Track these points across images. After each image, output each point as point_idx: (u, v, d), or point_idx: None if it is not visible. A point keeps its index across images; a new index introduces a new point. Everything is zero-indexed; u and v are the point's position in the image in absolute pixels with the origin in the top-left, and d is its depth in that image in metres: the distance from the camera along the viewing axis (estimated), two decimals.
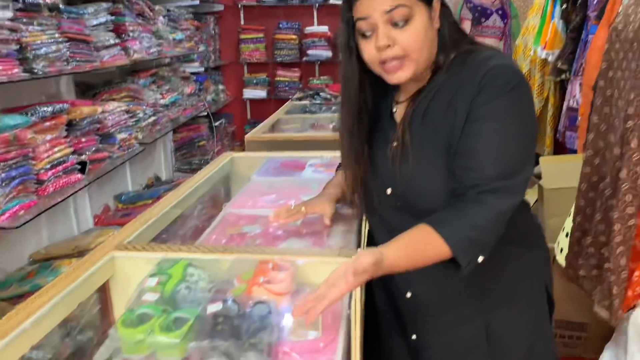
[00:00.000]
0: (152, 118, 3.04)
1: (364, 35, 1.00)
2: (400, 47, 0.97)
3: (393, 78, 1.01)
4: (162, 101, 3.26)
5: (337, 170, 1.43)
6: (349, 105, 1.09)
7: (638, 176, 1.40)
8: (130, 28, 2.71)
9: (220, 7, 5.05)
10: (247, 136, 2.36)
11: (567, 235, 1.84)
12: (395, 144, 1.06)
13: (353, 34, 1.03)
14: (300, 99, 3.63)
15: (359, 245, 1.22)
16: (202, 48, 4.49)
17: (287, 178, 1.73)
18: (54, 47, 1.94)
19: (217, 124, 4.76)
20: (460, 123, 0.98)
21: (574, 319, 2.22)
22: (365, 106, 1.10)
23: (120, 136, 2.54)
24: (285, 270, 1.04)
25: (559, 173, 2.18)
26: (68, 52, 2.09)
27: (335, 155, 1.95)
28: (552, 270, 1.32)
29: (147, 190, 3.49)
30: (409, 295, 1.13)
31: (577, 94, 2.43)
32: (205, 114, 4.40)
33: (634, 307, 1.59)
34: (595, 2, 2.36)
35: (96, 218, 2.92)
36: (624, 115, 1.45)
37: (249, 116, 5.54)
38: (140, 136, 2.85)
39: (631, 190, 1.42)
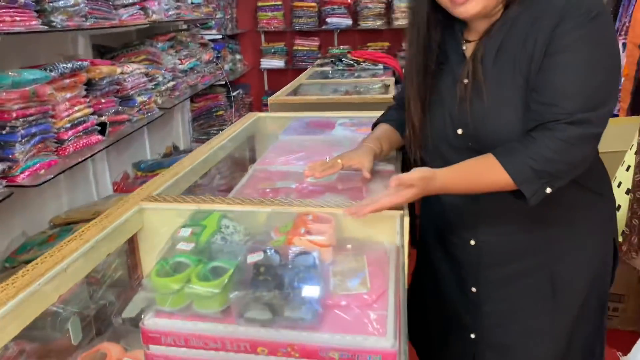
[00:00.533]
0: (171, 83, 2.97)
1: None
2: None
3: (461, 10, 0.96)
4: (180, 66, 3.18)
5: (373, 126, 1.35)
6: (417, 45, 1.05)
7: None
8: None
9: None
10: (271, 99, 2.28)
11: (618, 208, 1.74)
12: (466, 81, 1.01)
13: None
14: (321, 65, 3.52)
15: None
16: (219, 15, 4.38)
17: (316, 137, 1.64)
18: (72, 1, 1.86)
19: (234, 94, 4.67)
20: (540, 55, 0.92)
21: (611, 290, 2.13)
22: (433, 45, 1.05)
23: (140, 99, 2.47)
24: (327, 222, 0.96)
25: (604, 136, 2.07)
26: (87, 8, 2.01)
27: (365, 116, 1.86)
28: None
29: (166, 158, 3.43)
30: (472, 242, 1.10)
31: (620, 54, 2.30)
32: (223, 82, 4.31)
33: None
34: None
35: (115, 185, 2.88)
36: None
37: (266, 87, 5.44)
38: (159, 101, 2.78)
39: None
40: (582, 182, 0.99)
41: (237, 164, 1.64)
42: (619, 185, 1.81)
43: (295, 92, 2.84)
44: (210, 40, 4.18)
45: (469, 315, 1.16)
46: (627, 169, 1.80)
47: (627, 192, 1.75)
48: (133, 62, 2.66)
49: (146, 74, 2.59)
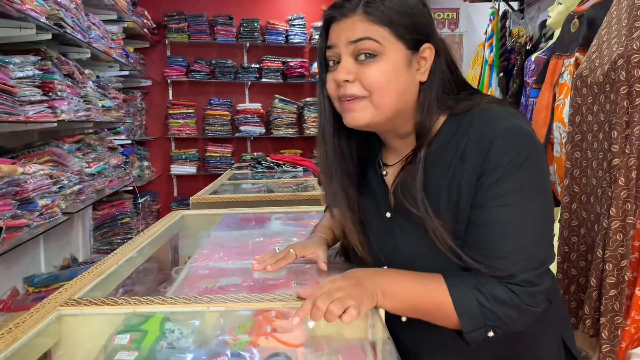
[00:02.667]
0: (77, 186, 2.73)
1: (330, 66, 0.88)
2: (360, 84, 0.84)
3: (348, 118, 0.87)
4: (88, 170, 2.97)
5: (325, 211, 1.26)
6: (325, 148, 0.95)
7: (627, 214, 1.37)
8: (59, 87, 2.48)
9: (148, 82, 4.91)
10: (193, 198, 2.15)
11: None
12: (388, 214, 0.94)
13: (325, 66, 0.90)
14: (239, 168, 3.47)
15: None
16: (129, 120, 4.27)
17: (253, 231, 1.53)
18: None
19: (141, 200, 4.44)
20: (466, 205, 0.84)
21: None
22: (345, 154, 0.96)
23: (42, 202, 2.21)
24: (293, 317, 0.83)
25: None
26: None
27: (300, 211, 1.80)
28: None
29: (64, 271, 3.06)
30: None
31: None
32: (130, 189, 4.09)
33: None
34: (532, 68, 2.50)
35: (2, 304, 2.48)
36: (608, 154, 1.44)
37: (175, 193, 5.25)
38: (63, 205, 2.53)
39: (621, 229, 1.38)
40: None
41: (166, 263, 1.46)
42: None
43: (215, 193, 2.73)
44: (119, 145, 4.01)
45: None
46: None
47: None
48: (36, 163, 2.43)
49: (50, 176, 2.36)
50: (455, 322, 0.81)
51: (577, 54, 2.09)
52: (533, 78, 2.48)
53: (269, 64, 5.04)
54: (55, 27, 2.38)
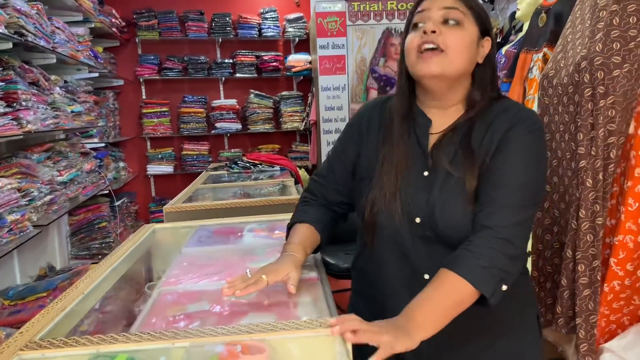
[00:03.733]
0: (48, 197, 2.68)
1: (414, 27, 1.05)
2: (443, 39, 1.01)
3: (424, 66, 1.01)
4: (59, 178, 2.91)
5: (289, 227, 1.23)
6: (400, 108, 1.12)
7: (596, 215, 1.39)
8: (23, 97, 2.41)
9: (120, 82, 4.81)
10: (166, 207, 2.11)
11: None
12: (426, 173, 1.06)
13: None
14: (215, 169, 3.43)
15: (331, 314, 1.03)
16: (101, 123, 4.18)
17: (225, 246, 1.51)
18: None
19: (118, 203, 4.37)
20: (492, 152, 1.01)
21: None
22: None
23: (11, 218, 2.16)
24: (260, 352, 0.83)
25: None
26: None
27: (274, 219, 1.78)
28: None
29: (41, 282, 3.01)
30: None
31: None
32: (106, 192, 4.02)
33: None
34: (502, 62, 2.50)
35: None
36: (575, 156, 1.45)
37: (153, 193, 5.19)
38: (34, 217, 2.48)
39: (590, 230, 1.40)
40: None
41: (138, 286, 1.43)
42: None
43: (190, 199, 2.70)
44: (92, 149, 3.93)
45: None
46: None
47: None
48: (3, 176, 2.37)
49: (18, 189, 2.31)
50: (475, 298, 0.93)
51: (545, 49, 2.09)
52: (504, 72, 2.49)
53: (243, 59, 4.98)
54: (15, 35, 2.31)
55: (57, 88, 2.99)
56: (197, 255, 1.46)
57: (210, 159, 5.05)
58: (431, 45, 1.01)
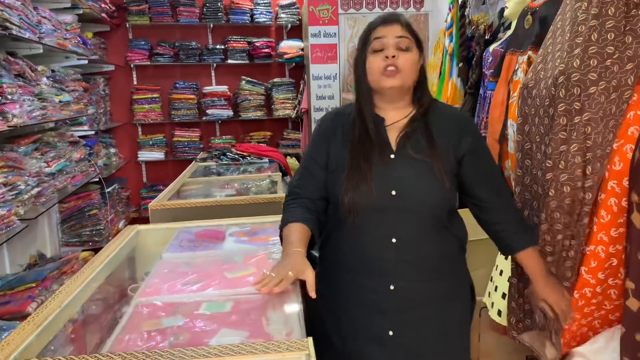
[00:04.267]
0: (36, 189, 2.68)
1: (374, 52, 1.34)
2: (400, 62, 1.32)
3: (388, 81, 1.33)
4: (47, 169, 2.91)
5: (282, 227, 1.34)
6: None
7: (554, 223, 1.42)
8: (9, 90, 2.40)
9: (110, 67, 4.77)
10: (151, 204, 2.13)
11: (503, 297, 1.82)
12: (392, 156, 1.34)
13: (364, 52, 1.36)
14: (204, 159, 3.44)
15: (302, 334, 1.06)
16: (91, 110, 4.16)
17: (205, 252, 1.53)
18: None
19: (110, 189, 4.38)
20: (448, 151, 1.35)
21: None
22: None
23: None
24: None
25: (476, 225, 2.20)
26: None
27: (256, 222, 1.80)
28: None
29: (30, 271, 3.03)
30: (392, 287, 1.32)
31: None
32: (97, 179, 4.03)
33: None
34: (490, 60, 2.50)
35: None
36: (544, 167, 1.47)
37: (145, 179, 5.19)
38: (21, 211, 2.48)
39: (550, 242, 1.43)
40: (462, 242, 1.47)
41: (119, 293, 1.46)
42: (500, 273, 1.91)
43: (178, 192, 2.71)
44: (81, 137, 3.93)
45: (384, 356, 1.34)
46: (506, 257, 1.91)
47: (508, 279, 1.85)
48: None
49: (4, 184, 2.32)
50: None
51: (529, 52, 2.09)
52: (491, 70, 2.49)
53: (235, 45, 4.94)
54: None
55: (44, 78, 2.97)
56: (177, 260, 1.49)
57: (201, 146, 5.05)
58: (392, 68, 1.32)
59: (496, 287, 1.92)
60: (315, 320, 1.38)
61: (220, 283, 1.29)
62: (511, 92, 2.22)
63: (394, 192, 1.29)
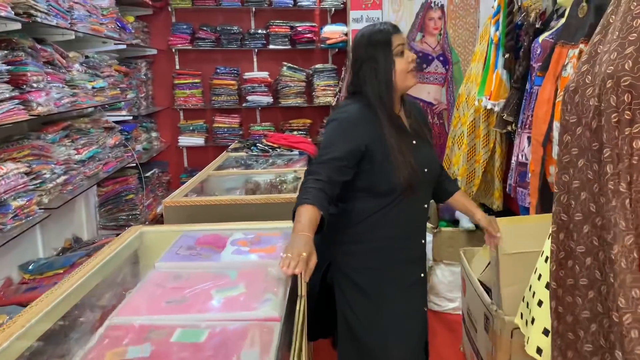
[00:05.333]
0: (63, 177, 2.68)
1: (398, 55, 1.55)
2: None
3: (413, 80, 1.59)
4: (77, 157, 2.91)
5: (295, 209, 1.39)
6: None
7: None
8: (34, 78, 2.38)
9: (153, 51, 4.77)
10: (165, 201, 2.06)
11: (545, 333, 1.59)
12: (414, 142, 1.61)
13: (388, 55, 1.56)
14: (236, 149, 3.36)
15: None
16: (131, 95, 4.17)
17: (200, 263, 1.43)
18: None
19: (148, 174, 4.41)
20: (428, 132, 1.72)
21: None
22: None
23: (16, 203, 2.17)
24: None
25: (515, 236, 1.98)
26: None
27: (265, 227, 1.69)
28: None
29: (61, 256, 3.07)
30: (422, 241, 1.69)
31: (525, 148, 2.29)
32: (135, 164, 4.05)
33: None
34: (538, 52, 2.25)
35: None
36: (601, 191, 1.26)
37: (185, 164, 5.20)
38: (45, 200, 2.49)
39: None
40: None
41: (112, 302, 1.38)
42: (540, 304, 1.67)
43: (202, 185, 2.64)
44: (119, 122, 3.94)
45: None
46: (546, 260, 1.69)
47: (547, 286, 1.63)
48: (14, 158, 2.38)
49: (27, 173, 2.31)
50: None
51: (581, 45, 1.84)
52: (539, 64, 2.23)
53: (277, 30, 4.81)
54: (24, 16, 2.26)
55: (77, 65, 2.95)
56: (169, 272, 1.39)
57: (241, 132, 4.99)
58: (414, 69, 1.59)
59: (533, 318, 1.68)
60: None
61: (204, 304, 1.18)
62: (559, 90, 1.98)
63: (425, 170, 1.60)
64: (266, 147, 3.14)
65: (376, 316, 1.57)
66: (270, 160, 3.03)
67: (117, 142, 3.63)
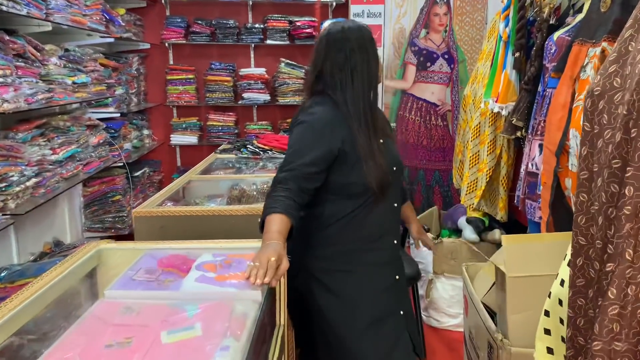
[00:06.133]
0: (34, 180, 2.49)
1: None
2: None
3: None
4: (53, 157, 2.72)
5: (264, 217, 1.37)
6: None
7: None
8: (0, 72, 2.19)
9: (146, 46, 4.57)
10: (135, 210, 1.86)
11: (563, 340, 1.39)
12: (382, 140, 1.57)
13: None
14: (225, 150, 3.16)
15: None
16: (120, 91, 3.97)
17: (156, 292, 1.22)
18: None
19: (138, 173, 4.21)
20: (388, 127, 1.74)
21: None
22: None
23: None
24: None
25: (525, 256, 1.76)
26: None
27: (239, 247, 1.49)
28: None
29: (36, 263, 2.88)
30: (395, 242, 1.66)
31: (536, 157, 2.07)
32: (122, 164, 3.85)
33: None
34: (553, 51, 2.02)
35: None
36: (609, 211, 1.05)
37: (178, 163, 5.00)
38: (12, 205, 2.29)
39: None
40: None
41: (39, 341, 1.18)
42: (562, 321, 1.46)
43: (183, 189, 2.45)
44: (106, 119, 3.74)
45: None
46: (562, 284, 1.48)
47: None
48: None
49: None
50: None
51: (604, 44, 1.63)
52: (553, 64, 2.01)
53: (275, 24, 4.59)
54: None
55: (54, 58, 2.75)
56: (119, 302, 1.19)
57: (236, 131, 4.78)
58: None
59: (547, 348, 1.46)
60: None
61: (149, 350, 0.98)
62: (577, 94, 1.76)
63: (394, 168, 1.60)
64: (257, 149, 2.93)
65: (349, 320, 1.54)
66: (261, 164, 2.83)
67: (101, 141, 3.43)
